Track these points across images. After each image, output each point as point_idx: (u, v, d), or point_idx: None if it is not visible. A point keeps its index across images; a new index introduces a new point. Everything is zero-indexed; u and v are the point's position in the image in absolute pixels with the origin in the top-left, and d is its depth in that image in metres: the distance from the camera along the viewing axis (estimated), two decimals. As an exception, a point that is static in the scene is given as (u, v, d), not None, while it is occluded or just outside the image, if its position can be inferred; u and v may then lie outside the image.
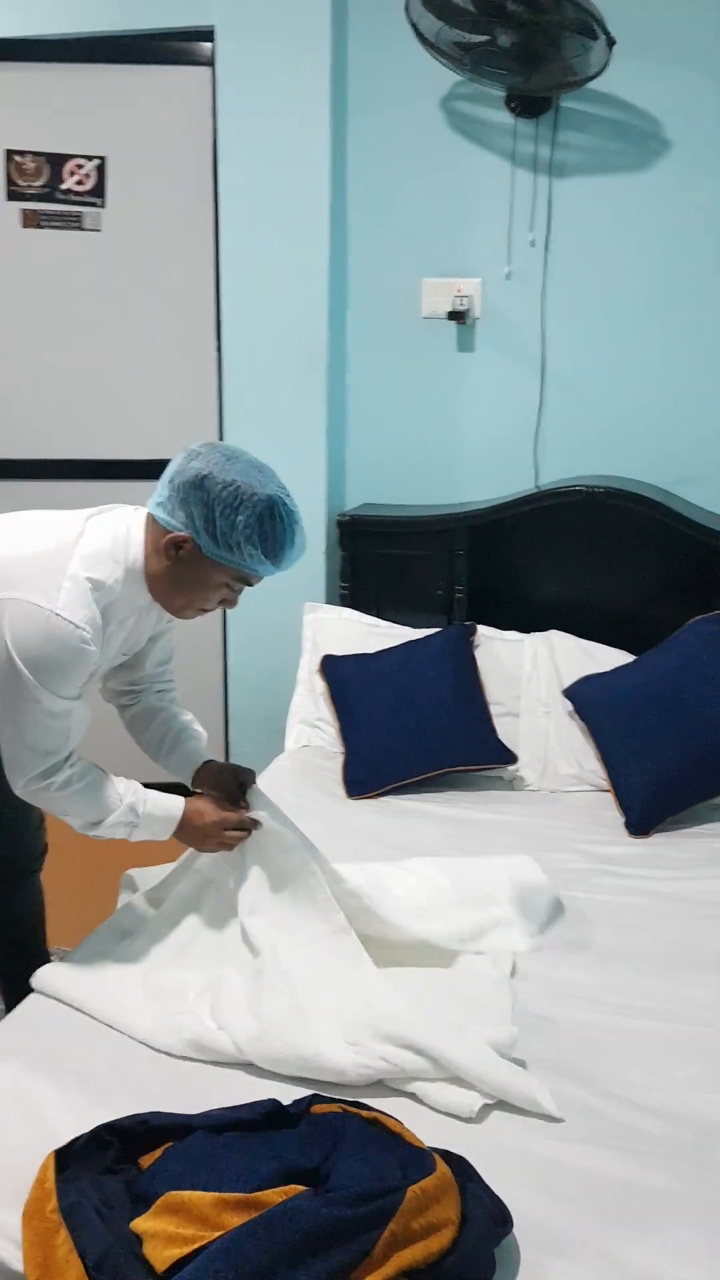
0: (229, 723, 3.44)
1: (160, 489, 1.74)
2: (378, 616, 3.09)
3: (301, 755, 2.93)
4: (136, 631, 1.93)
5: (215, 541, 1.71)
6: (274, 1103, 1.54)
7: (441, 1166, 1.37)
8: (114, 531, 1.77)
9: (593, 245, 3.06)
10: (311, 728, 2.98)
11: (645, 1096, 1.66)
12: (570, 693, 2.81)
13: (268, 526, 1.70)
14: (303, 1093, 1.57)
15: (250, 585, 1.81)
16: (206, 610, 1.85)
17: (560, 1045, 1.78)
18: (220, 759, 3.45)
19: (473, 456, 3.25)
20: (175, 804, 1.89)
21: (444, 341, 3.19)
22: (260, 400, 3.18)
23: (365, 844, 2.47)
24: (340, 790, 2.74)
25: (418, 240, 3.15)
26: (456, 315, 3.12)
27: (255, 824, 1.93)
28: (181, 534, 1.72)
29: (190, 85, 3.12)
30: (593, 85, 2.87)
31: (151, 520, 1.77)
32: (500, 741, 2.79)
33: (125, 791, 1.84)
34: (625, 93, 2.95)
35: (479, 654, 2.92)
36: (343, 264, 3.19)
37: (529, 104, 2.98)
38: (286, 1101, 1.54)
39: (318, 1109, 1.53)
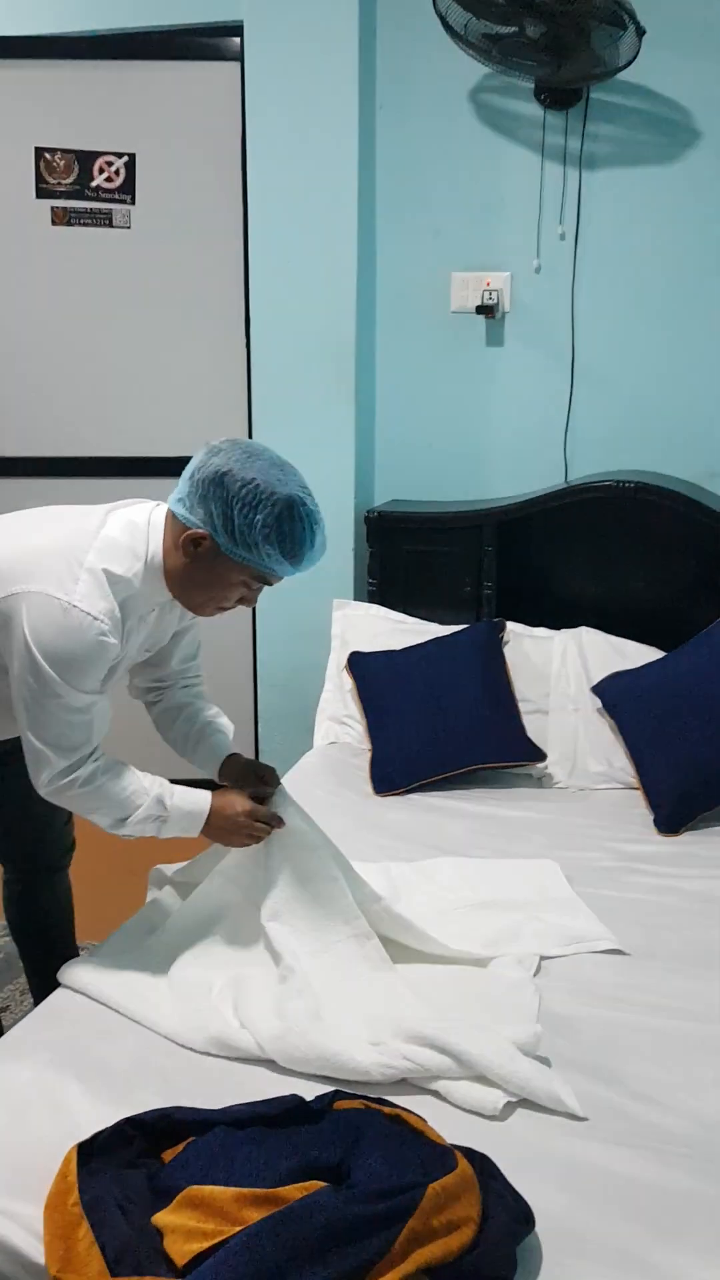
0: (258, 719, 3.44)
1: (181, 484, 1.73)
2: (406, 613, 3.08)
3: (329, 752, 2.92)
4: (159, 627, 1.92)
5: (233, 540, 1.68)
6: (296, 1099, 1.53)
7: (463, 1164, 1.36)
8: (133, 525, 1.76)
9: (623, 238, 3.03)
10: (340, 724, 2.97)
11: (671, 1097, 1.64)
12: (599, 690, 2.79)
13: (286, 527, 1.67)
14: (326, 1089, 1.56)
15: (269, 584, 1.79)
16: (225, 608, 1.83)
17: (586, 1045, 1.76)
18: (249, 755, 3.46)
19: (502, 452, 3.23)
20: (203, 796, 1.87)
21: (473, 336, 3.18)
22: (289, 396, 3.17)
23: (393, 842, 2.46)
24: (368, 787, 2.73)
25: (446, 234, 3.14)
26: (485, 309, 3.10)
27: (279, 820, 1.93)
28: (200, 531, 1.70)
29: (219, 81, 3.13)
30: (623, 76, 2.84)
31: (171, 516, 1.75)
32: (529, 739, 2.78)
33: (151, 785, 1.83)
34: (655, 84, 2.92)
35: (508, 651, 2.90)
36: (371, 258, 3.18)
37: (558, 95, 2.95)
38: (309, 1097, 1.54)
39: (340, 1105, 1.53)
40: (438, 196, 3.13)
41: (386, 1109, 1.51)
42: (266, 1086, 1.61)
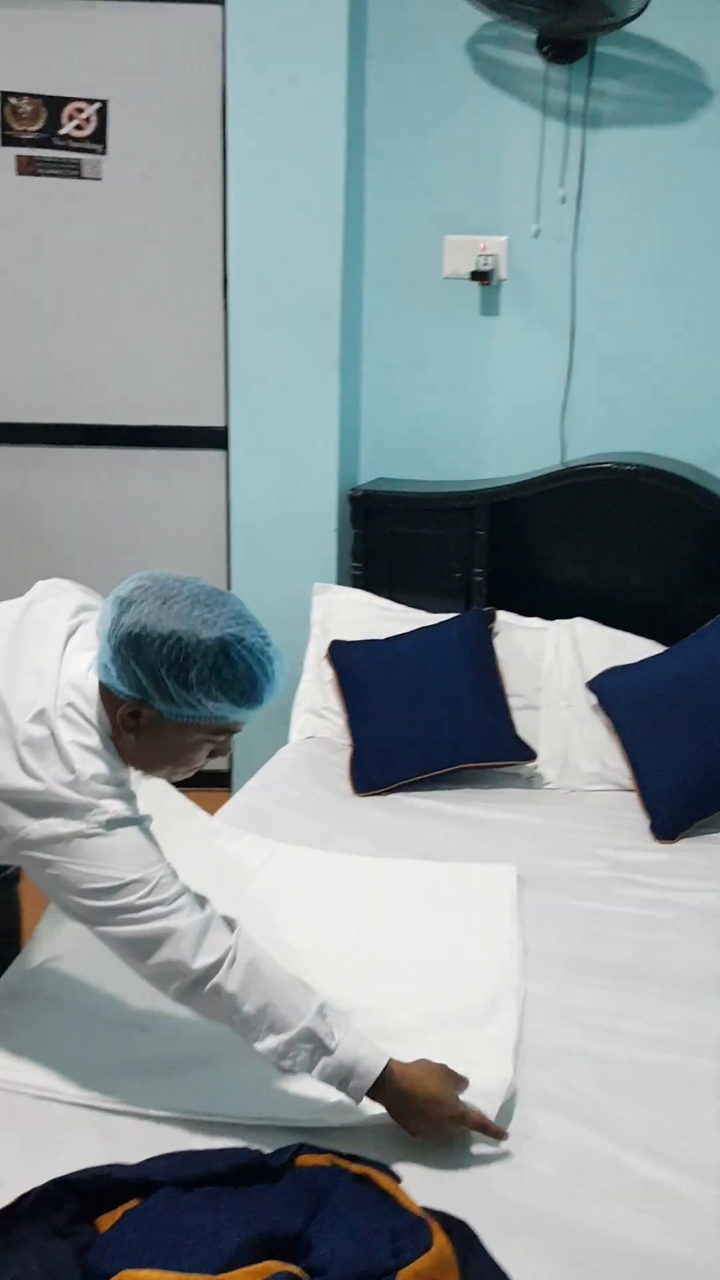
0: (232, 708, 3.27)
1: (101, 646, 1.47)
2: (391, 599, 2.91)
3: (307, 747, 2.76)
4: None
5: (173, 703, 1.44)
6: (253, 1153, 1.38)
7: (439, 1239, 1.21)
8: (76, 689, 1.50)
9: (628, 202, 2.86)
10: (318, 717, 2.81)
11: (671, 1146, 1.50)
12: (595, 685, 2.63)
13: (228, 674, 1.43)
14: (287, 1140, 1.40)
15: (237, 731, 1.55)
16: (198, 766, 1.58)
17: (576, 1083, 1.62)
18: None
19: (496, 429, 3.07)
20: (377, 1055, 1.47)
21: (467, 304, 3.00)
22: (269, 364, 2.99)
23: (372, 846, 2.33)
24: (347, 786, 2.57)
25: (440, 194, 2.95)
26: (480, 275, 2.92)
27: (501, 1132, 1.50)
28: (134, 703, 1.46)
29: (198, 24, 2.93)
30: (631, 28, 2.66)
31: (104, 686, 1.49)
32: (519, 736, 2.62)
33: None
34: (666, 38, 2.74)
35: (498, 642, 2.74)
36: (359, 218, 2.99)
37: (562, 48, 2.77)
38: (269, 1150, 1.39)
39: (303, 1161, 1.38)
40: (431, 153, 2.94)
41: (355, 1166, 1.36)
42: (220, 1136, 1.45)
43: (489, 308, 2.99)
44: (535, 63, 2.82)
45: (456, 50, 2.86)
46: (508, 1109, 1.53)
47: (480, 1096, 1.51)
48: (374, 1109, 1.47)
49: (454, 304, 3.01)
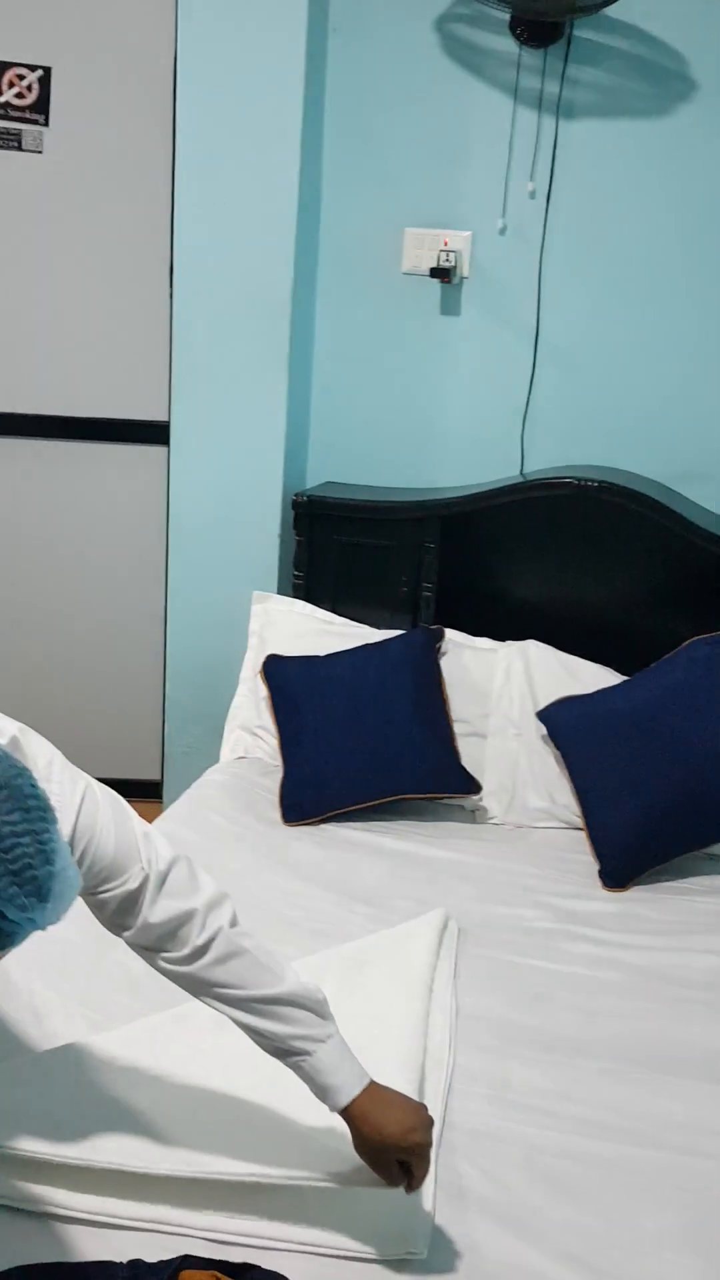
0: (166, 717, 3.09)
1: None
2: (334, 612, 2.74)
3: (237, 768, 2.59)
4: None
5: None
6: (128, 1269, 1.22)
7: None
8: None
9: (602, 200, 2.68)
10: (252, 736, 2.64)
11: (605, 1259, 1.36)
12: (546, 715, 2.47)
13: None
14: (172, 1248, 1.25)
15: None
16: None
17: (503, 1176, 1.47)
18: (156, 754, 3.14)
19: (452, 436, 2.89)
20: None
21: (426, 302, 2.82)
22: (215, 357, 2.80)
23: (299, 884, 2.17)
24: (276, 814, 2.40)
25: (401, 183, 2.76)
26: (441, 272, 2.74)
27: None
28: None
29: (150, -11, 2.72)
30: (610, 12, 2.49)
31: None
32: (463, 767, 2.46)
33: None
34: (648, 23, 2.56)
35: (445, 663, 2.58)
36: (314, 205, 2.80)
37: (537, 30, 2.58)
38: (150, 1259, 1.23)
39: (186, 1277, 1.22)
40: (393, 138, 2.75)
41: (243, 1287, 1.20)
42: (93, 1244, 1.28)
43: (449, 307, 2.81)
44: (508, 45, 2.63)
45: (424, 28, 2.67)
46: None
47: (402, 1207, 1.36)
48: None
49: (412, 301, 2.82)
